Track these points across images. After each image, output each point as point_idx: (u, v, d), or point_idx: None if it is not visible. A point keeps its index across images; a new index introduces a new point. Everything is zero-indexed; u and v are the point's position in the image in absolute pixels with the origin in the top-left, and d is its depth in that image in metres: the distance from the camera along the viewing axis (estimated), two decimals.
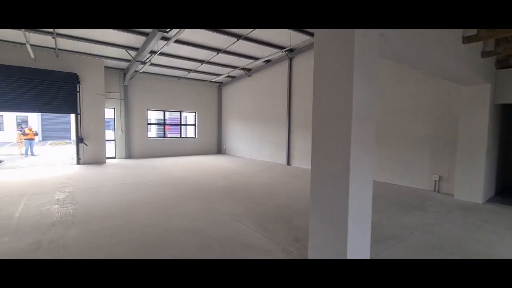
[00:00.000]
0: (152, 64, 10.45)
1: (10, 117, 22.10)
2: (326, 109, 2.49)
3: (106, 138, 10.78)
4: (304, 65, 9.28)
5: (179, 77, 12.68)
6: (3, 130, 21.98)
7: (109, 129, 12.17)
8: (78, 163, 9.71)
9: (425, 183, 6.27)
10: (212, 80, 12.97)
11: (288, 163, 10.08)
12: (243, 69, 11.43)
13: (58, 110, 9.31)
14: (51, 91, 8.99)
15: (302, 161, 9.51)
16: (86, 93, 9.69)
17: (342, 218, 2.35)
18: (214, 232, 3.64)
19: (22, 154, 13.58)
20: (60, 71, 8.96)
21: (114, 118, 11.38)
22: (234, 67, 10.96)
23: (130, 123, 11.71)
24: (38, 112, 9.61)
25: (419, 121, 6.36)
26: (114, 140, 11.46)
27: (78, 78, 9.38)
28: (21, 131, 12.62)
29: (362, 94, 2.32)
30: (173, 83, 12.79)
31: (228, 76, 12.67)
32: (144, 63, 9.30)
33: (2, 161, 9.97)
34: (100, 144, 10.10)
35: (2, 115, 21.54)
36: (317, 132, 2.59)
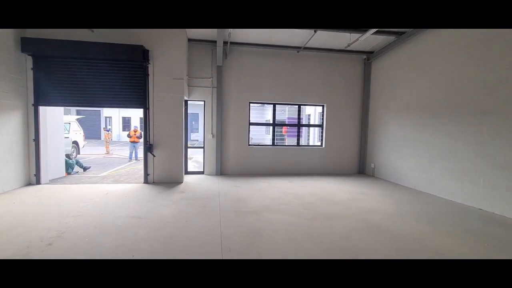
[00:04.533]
0: None
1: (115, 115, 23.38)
2: None
3: (190, 145, 7.36)
4: None
5: (298, 48, 7.77)
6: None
7: (196, 131, 8.86)
8: (145, 181, 6.57)
9: None
10: (351, 47, 7.25)
11: None
12: None
13: (117, 102, 6.42)
14: (109, 75, 6.16)
15: None
16: (159, 77, 6.42)
17: None
18: None
19: (107, 152, 13.08)
20: (121, 44, 5.96)
21: (204, 116, 7.83)
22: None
23: (225, 123, 7.85)
24: (89, 106, 7.06)
25: None
26: (203, 147, 7.92)
27: (146, 55, 6.19)
28: (108, 131, 11.88)
29: None
30: (288, 59, 8.00)
31: (385, 32, 6.59)
32: None
33: (88, 168, 8.38)
34: (176, 154, 6.63)
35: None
36: None
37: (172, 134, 6.57)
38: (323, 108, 8.45)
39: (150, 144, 6.46)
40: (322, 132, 8.50)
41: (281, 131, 15.90)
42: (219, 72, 7.58)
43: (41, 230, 3.53)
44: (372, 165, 8.06)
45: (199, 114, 23.71)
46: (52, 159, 6.72)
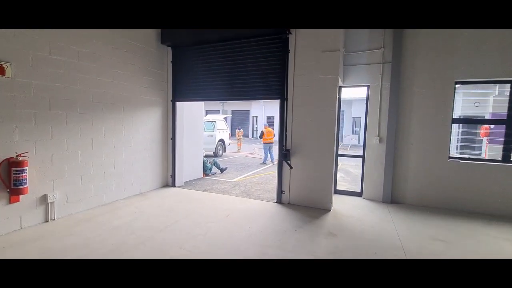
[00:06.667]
0: None
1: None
2: None
3: (342, 152, 4.97)
4: None
5: None
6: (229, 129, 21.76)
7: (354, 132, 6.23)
8: (279, 200, 4.74)
9: None
10: None
11: None
12: None
13: (250, 93, 4.85)
14: (242, 58, 4.75)
15: None
16: (303, 53, 4.37)
17: None
18: None
19: (238, 149, 12.26)
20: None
21: (366, 108, 5.11)
22: None
23: (403, 120, 4.79)
24: (221, 100, 5.87)
25: None
26: (363, 156, 5.21)
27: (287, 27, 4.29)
28: (239, 129, 11.22)
29: None
30: None
31: None
32: None
33: (225, 169, 7.70)
34: (322, 168, 4.38)
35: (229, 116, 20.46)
36: None
37: (318, 136, 4.38)
38: None
39: (287, 150, 4.55)
40: None
41: (478, 133, 10.62)
42: (398, 37, 4.61)
43: None
44: None
45: (344, 112, 20.60)
46: (190, 159, 6.27)
